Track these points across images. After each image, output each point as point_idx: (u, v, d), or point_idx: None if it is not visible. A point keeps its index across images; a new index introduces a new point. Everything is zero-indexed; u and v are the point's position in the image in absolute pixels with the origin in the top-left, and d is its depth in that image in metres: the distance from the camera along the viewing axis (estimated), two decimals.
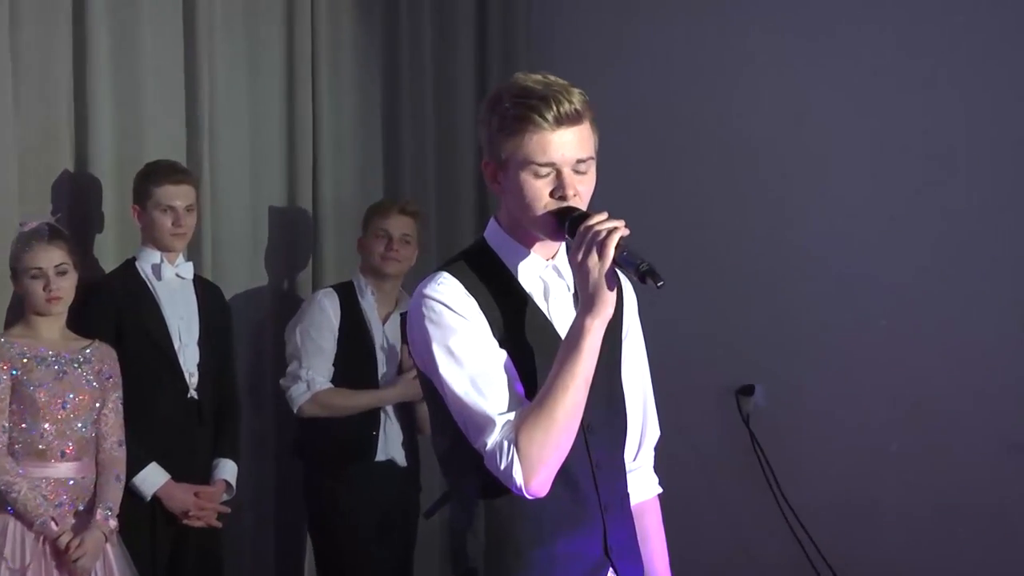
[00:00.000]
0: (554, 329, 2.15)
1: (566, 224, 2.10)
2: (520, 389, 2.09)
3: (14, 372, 3.29)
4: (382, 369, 4.02)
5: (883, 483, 4.30)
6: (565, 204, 2.10)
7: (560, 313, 2.17)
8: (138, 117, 3.89)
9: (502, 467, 2.04)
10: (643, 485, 2.34)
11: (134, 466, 3.48)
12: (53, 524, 3.25)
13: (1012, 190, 4.13)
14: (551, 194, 2.10)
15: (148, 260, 3.70)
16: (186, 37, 4.01)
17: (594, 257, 2.05)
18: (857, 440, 4.34)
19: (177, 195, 3.67)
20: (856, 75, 4.35)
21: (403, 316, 3.90)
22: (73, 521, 3.30)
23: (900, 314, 4.27)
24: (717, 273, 4.55)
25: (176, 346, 3.67)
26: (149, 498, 3.57)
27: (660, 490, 2.38)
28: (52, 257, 3.34)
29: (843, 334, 4.35)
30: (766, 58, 4.51)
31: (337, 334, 3.97)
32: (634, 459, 2.31)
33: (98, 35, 3.76)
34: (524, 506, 2.09)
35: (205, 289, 3.81)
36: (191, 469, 3.66)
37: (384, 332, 4.04)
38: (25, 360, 3.31)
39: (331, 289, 4.07)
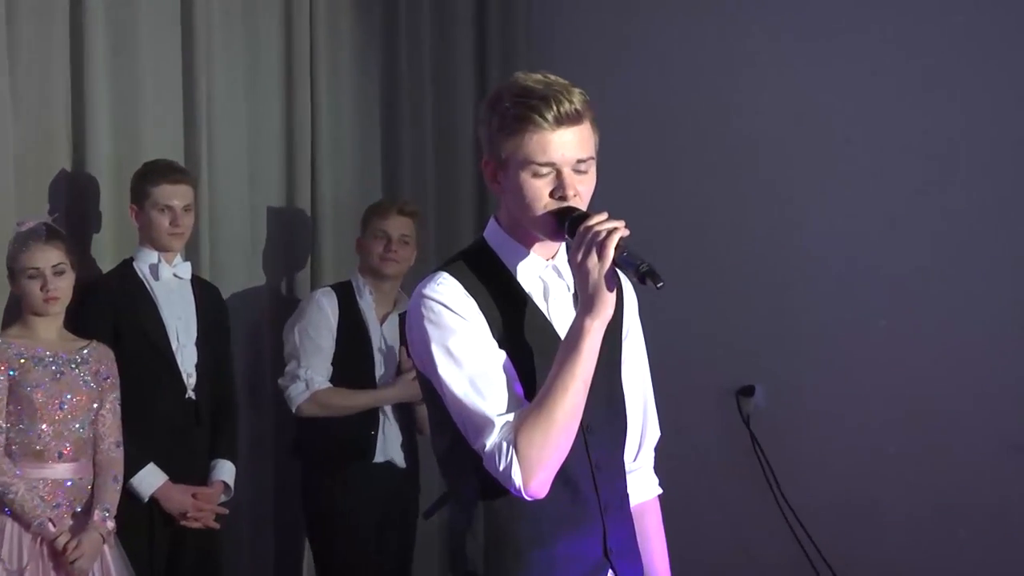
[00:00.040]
0: (554, 330, 2.15)
1: (566, 224, 2.09)
2: (519, 390, 2.09)
3: (11, 373, 3.28)
4: (380, 370, 4.01)
5: (883, 483, 4.29)
6: (565, 204, 2.09)
7: (560, 313, 2.17)
8: (136, 116, 3.88)
9: (501, 468, 2.03)
10: (643, 486, 2.33)
11: (131, 467, 3.47)
12: (51, 525, 3.24)
13: (1012, 190, 4.13)
14: (551, 194, 2.09)
15: (146, 260, 3.69)
16: (184, 36, 4.00)
17: (594, 258, 2.04)
18: (857, 440, 4.34)
19: (175, 195, 3.66)
20: (856, 75, 4.35)
21: (402, 317, 3.90)
22: (71, 522, 3.29)
23: (900, 314, 4.27)
24: (717, 274, 4.54)
25: (174, 346, 3.66)
26: (147, 499, 3.56)
27: (660, 491, 2.37)
28: (49, 257, 3.33)
29: (843, 334, 4.35)
30: (766, 58, 4.51)
31: (335, 333, 3.97)
32: (634, 460, 2.31)
33: (96, 34, 3.75)
34: (523, 507, 2.08)
35: (203, 289, 3.80)
36: (189, 470, 3.65)
37: (382, 333, 4.03)
38: (22, 361, 3.30)
39: (329, 289, 4.06)
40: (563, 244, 2.17)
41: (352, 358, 3.98)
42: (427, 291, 2.11)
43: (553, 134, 2.07)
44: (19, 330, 3.37)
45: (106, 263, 3.78)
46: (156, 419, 3.59)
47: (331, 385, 3.95)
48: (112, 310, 3.59)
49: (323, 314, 3.97)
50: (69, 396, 3.32)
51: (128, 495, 3.46)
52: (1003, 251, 4.14)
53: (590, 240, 2.04)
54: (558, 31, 4.89)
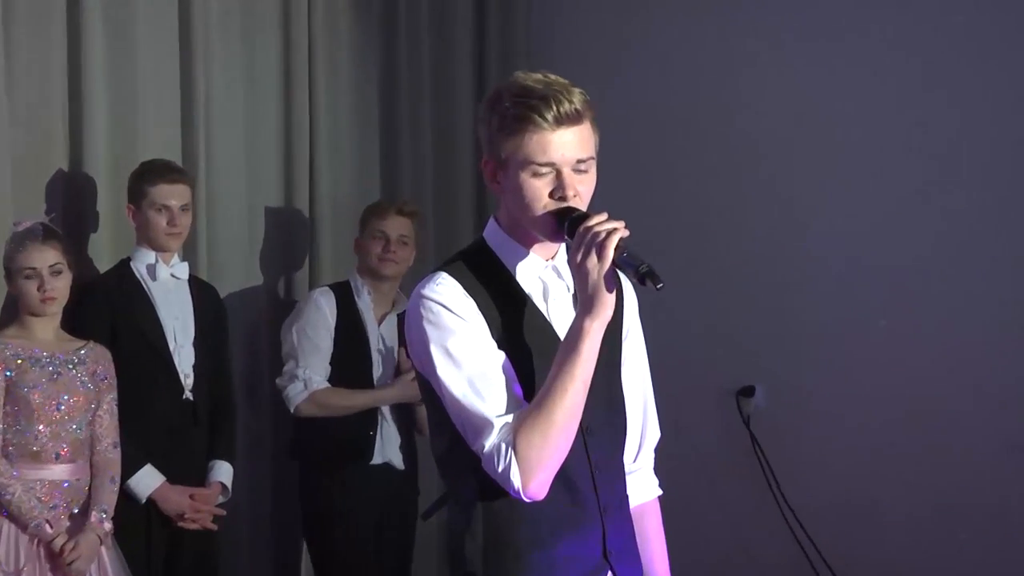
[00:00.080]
0: (553, 330, 2.14)
1: (565, 225, 2.08)
2: (518, 391, 2.08)
3: (8, 373, 3.28)
4: (378, 370, 4.00)
5: (883, 483, 4.29)
6: (565, 204, 2.09)
7: (559, 314, 2.16)
8: (133, 116, 3.87)
9: (500, 470, 2.03)
10: (643, 487, 2.33)
11: (129, 468, 3.46)
12: (48, 527, 3.23)
13: (1012, 190, 4.13)
14: (551, 194, 2.09)
15: (143, 260, 3.68)
16: (181, 36, 4.00)
17: (593, 258, 2.03)
18: (857, 440, 4.34)
19: (172, 194, 3.65)
20: (857, 76, 4.35)
21: (400, 317, 3.90)
22: (68, 524, 3.29)
23: (900, 314, 4.27)
24: (717, 274, 4.54)
25: (171, 347, 3.65)
26: (144, 501, 3.55)
27: (660, 492, 2.37)
28: (46, 257, 3.32)
29: (843, 334, 4.35)
30: (767, 58, 4.51)
31: (333, 333, 3.96)
32: (634, 460, 2.30)
33: (93, 33, 3.74)
34: (523, 508, 2.08)
35: (200, 289, 3.79)
36: (186, 471, 3.64)
37: (380, 333, 4.02)
38: (19, 361, 3.29)
39: (327, 288, 4.05)
40: (563, 245, 2.16)
41: (350, 358, 3.97)
42: (426, 291, 2.10)
43: (553, 134, 2.06)
44: (16, 330, 3.36)
45: (103, 263, 3.77)
46: (153, 420, 3.58)
47: (329, 385, 3.94)
48: (109, 310, 3.58)
49: (321, 314, 3.96)
50: (66, 397, 3.31)
51: (125, 496, 3.46)
52: (1003, 251, 4.14)
53: (589, 241, 2.04)
54: (558, 31, 4.88)
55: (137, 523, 3.53)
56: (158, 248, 3.68)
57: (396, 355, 4.00)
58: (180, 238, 3.71)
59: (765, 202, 4.51)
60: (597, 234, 2.03)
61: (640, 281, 2.04)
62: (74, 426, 3.32)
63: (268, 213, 4.29)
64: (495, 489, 2.06)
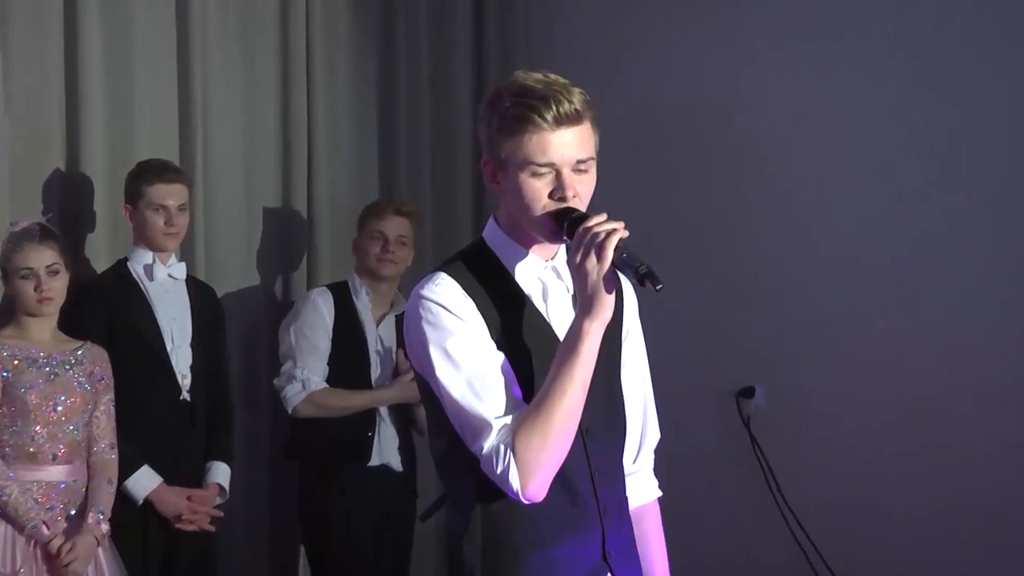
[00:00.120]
0: (552, 331, 2.14)
1: (565, 225, 2.08)
2: (517, 392, 2.08)
3: (5, 374, 3.27)
4: (376, 371, 3.99)
5: (883, 484, 4.29)
6: (564, 205, 2.08)
7: (559, 315, 2.15)
8: (130, 116, 3.87)
9: (498, 471, 2.02)
10: (643, 488, 2.32)
11: (126, 469, 3.46)
12: (44, 528, 3.22)
13: (1012, 190, 4.13)
14: (550, 195, 2.08)
15: (140, 260, 3.67)
16: (179, 35, 3.99)
17: (592, 259, 2.03)
18: (857, 440, 4.34)
19: (169, 194, 3.65)
20: (857, 76, 4.35)
21: (398, 318, 3.89)
22: (65, 525, 3.28)
23: (900, 314, 4.27)
24: (718, 274, 4.54)
25: (168, 347, 3.65)
26: (141, 502, 3.54)
27: (660, 493, 2.36)
28: (43, 257, 3.32)
29: (843, 335, 4.35)
30: (767, 58, 4.51)
31: (331, 333, 3.95)
32: (634, 462, 2.30)
33: (90, 33, 3.74)
34: (522, 510, 2.07)
35: (198, 290, 3.79)
36: (184, 472, 3.63)
37: (378, 334, 4.01)
38: (16, 362, 3.28)
39: (325, 288, 4.04)
40: (562, 245, 2.16)
41: (348, 359, 3.96)
42: (425, 292, 2.09)
43: (553, 134, 2.05)
44: (12, 331, 3.35)
45: (100, 263, 3.77)
46: (151, 421, 3.58)
47: (328, 385, 3.93)
48: (106, 311, 3.57)
49: (319, 314, 3.95)
50: (63, 398, 3.30)
51: (122, 497, 3.45)
52: (1003, 251, 4.14)
53: (589, 241, 2.03)
54: (558, 31, 4.88)
55: (134, 524, 3.53)
56: (155, 248, 3.67)
57: (394, 356, 3.99)
58: (177, 238, 3.70)
59: (765, 202, 4.51)
60: (596, 235, 2.03)
61: (639, 282, 2.03)
62: (71, 427, 3.31)
63: (266, 213, 4.28)
64: (494, 490, 2.06)
